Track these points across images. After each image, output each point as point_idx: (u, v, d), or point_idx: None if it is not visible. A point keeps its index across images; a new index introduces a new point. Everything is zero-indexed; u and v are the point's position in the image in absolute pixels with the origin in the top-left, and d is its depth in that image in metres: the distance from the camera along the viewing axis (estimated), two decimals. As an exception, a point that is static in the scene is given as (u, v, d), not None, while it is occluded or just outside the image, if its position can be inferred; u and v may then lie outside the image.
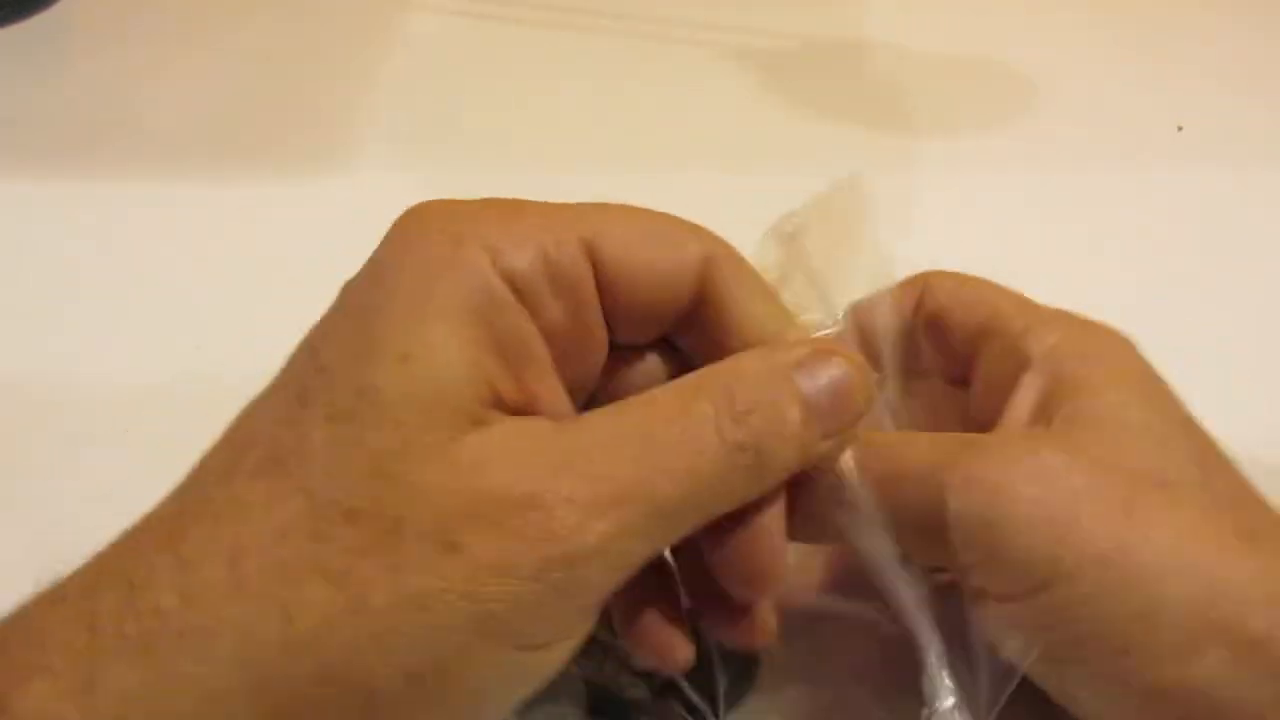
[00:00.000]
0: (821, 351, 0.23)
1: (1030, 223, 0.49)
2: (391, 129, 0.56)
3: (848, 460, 0.24)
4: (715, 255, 0.24)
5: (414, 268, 0.21)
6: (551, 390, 0.22)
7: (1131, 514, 0.21)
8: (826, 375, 0.22)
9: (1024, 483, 0.22)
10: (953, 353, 0.28)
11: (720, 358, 0.23)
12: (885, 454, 0.24)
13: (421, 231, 0.22)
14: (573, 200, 0.24)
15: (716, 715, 0.27)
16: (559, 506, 0.19)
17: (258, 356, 0.39)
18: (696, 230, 0.24)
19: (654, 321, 0.24)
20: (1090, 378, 0.24)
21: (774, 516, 0.23)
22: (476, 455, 0.20)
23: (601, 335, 0.24)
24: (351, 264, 0.23)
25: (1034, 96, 0.61)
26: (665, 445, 0.21)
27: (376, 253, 0.22)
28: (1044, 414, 0.24)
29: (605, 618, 0.22)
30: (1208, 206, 0.51)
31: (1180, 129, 0.56)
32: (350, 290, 0.22)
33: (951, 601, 0.24)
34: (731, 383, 0.22)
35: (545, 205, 0.23)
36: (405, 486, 0.19)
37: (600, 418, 0.22)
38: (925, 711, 0.23)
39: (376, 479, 0.19)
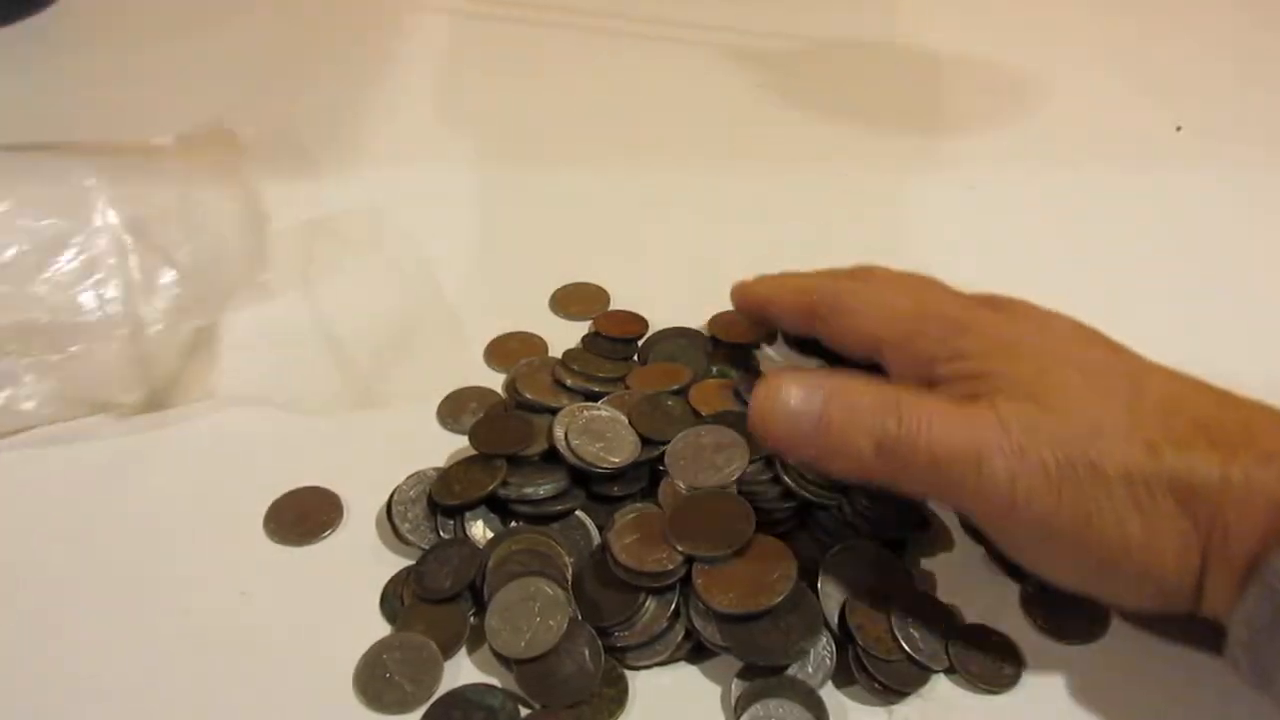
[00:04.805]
0: None
1: (1030, 222, 0.49)
2: (394, 129, 0.56)
3: None
4: None
5: None
6: None
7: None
8: None
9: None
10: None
11: None
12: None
13: None
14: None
15: None
16: None
17: (260, 355, 0.39)
18: None
19: None
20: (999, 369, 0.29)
21: None
22: None
23: None
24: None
25: (1034, 97, 0.61)
26: None
27: None
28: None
29: None
30: (1207, 206, 0.51)
31: (1179, 129, 0.56)
32: None
33: None
34: None
35: None
36: None
37: None
38: None
39: None
